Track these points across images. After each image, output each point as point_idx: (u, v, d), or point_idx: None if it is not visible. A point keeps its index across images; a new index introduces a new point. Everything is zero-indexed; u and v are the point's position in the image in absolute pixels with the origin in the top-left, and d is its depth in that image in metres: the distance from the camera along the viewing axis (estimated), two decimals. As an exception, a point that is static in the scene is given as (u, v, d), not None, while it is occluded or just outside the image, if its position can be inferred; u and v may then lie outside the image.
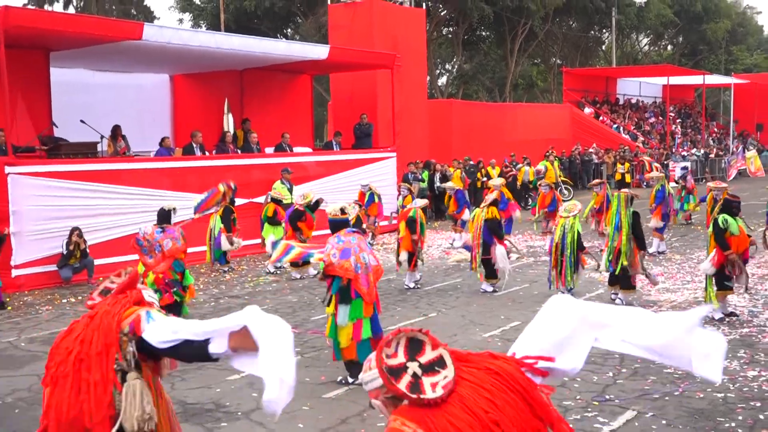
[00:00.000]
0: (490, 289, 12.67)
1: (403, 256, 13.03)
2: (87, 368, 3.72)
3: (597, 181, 17.26)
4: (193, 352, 3.64)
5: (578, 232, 11.84)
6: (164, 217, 10.34)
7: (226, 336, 3.49)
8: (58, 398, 3.74)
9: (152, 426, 3.76)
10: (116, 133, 17.15)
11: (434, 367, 2.88)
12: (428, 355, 2.93)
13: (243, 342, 3.42)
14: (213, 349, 3.52)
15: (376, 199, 18.61)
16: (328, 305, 7.97)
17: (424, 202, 14.12)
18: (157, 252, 9.98)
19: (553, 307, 3.31)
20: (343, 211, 8.46)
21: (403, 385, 2.80)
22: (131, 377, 3.74)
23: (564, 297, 3.37)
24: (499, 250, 12.38)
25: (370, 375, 2.91)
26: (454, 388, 2.85)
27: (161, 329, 3.72)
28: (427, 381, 2.83)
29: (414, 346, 2.93)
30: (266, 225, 15.34)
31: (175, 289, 10.11)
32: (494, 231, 12.47)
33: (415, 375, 2.83)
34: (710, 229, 10.52)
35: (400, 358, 2.87)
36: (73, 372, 3.73)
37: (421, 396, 2.77)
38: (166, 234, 10.10)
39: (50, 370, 3.81)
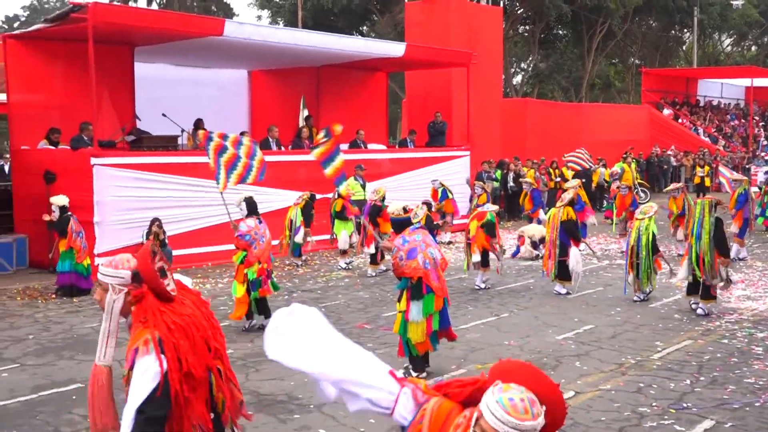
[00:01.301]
0: (564, 291, 12.52)
1: (476, 257, 12.91)
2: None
3: (674, 185, 16.83)
4: None
5: (653, 233, 11.61)
6: (254, 207, 10.47)
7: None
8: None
9: None
10: (198, 126, 17.59)
11: None
12: None
13: None
14: None
15: (450, 195, 18.59)
16: (399, 301, 8.05)
17: (495, 207, 13.94)
18: (261, 242, 10.11)
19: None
20: (405, 210, 8.54)
21: None
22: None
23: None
24: (574, 252, 12.25)
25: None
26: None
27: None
28: None
29: None
30: (337, 221, 15.44)
31: (272, 280, 10.30)
32: (571, 233, 12.33)
33: None
34: None
35: None
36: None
37: None
38: (264, 224, 10.30)
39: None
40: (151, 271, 3.64)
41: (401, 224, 8.31)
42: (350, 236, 15.30)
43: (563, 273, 12.43)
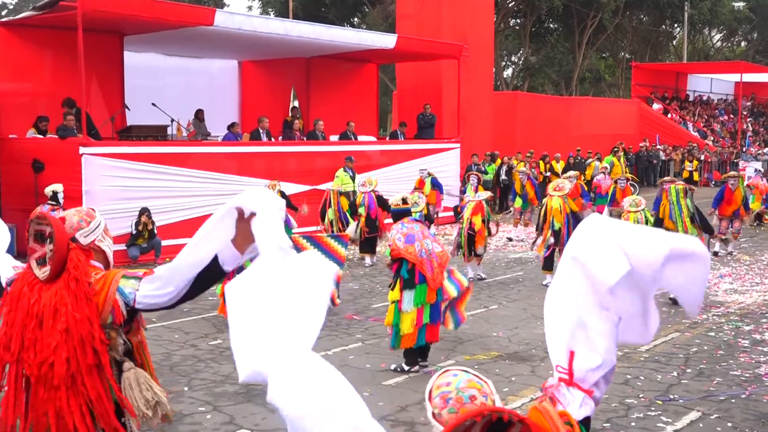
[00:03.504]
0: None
1: (481, 249, 12.98)
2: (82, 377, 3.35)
3: (668, 178, 16.77)
4: (207, 279, 3.32)
5: (653, 223, 11.72)
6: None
7: (230, 245, 3.23)
8: None
9: (165, 410, 3.44)
10: (199, 117, 17.89)
11: None
12: None
13: (245, 239, 3.16)
14: (224, 263, 3.26)
15: (437, 185, 18.58)
16: (393, 289, 8.02)
17: (488, 194, 13.96)
18: None
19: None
20: (404, 200, 8.60)
21: None
22: (126, 368, 3.39)
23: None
24: None
25: None
26: None
27: (159, 285, 3.30)
28: None
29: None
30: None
31: None
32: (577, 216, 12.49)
33: None
34: None
35: None
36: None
37: None
38: None
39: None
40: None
41: (400, 215, 8.40)
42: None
43: (548, 263, 12.48)
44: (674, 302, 11.05)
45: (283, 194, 15.32)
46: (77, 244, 3.50)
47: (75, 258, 3.43)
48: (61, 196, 12.85)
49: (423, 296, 7.84)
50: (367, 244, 14.78)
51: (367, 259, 14.82)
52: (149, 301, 3.32)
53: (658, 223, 11.52)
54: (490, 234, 13.28)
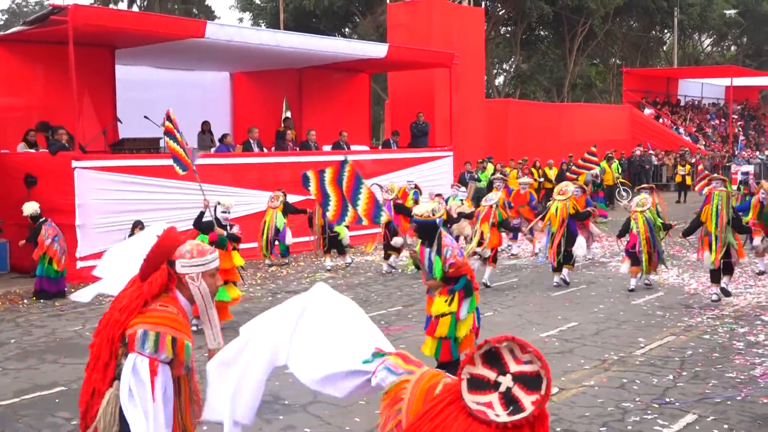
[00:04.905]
0: (567, 279, 13.18)
1: (487, 252, 13.15)
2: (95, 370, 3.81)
3: (646, 186, 16.59)
4: None
5: (662, 223, 12.63)
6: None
7: None
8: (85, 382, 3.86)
9: None
10: (204, 128, 18.22)
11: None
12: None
13: None
14: None
15: (421, 199, 18.49)
16: (450, 304, 7.54)
17: (499, 195, 14.10)
18: None
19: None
20: (434, 212, 7.68)
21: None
22: (114, 388, 3.70)
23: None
24: (580, 241, 13.02)
25: None
26: None
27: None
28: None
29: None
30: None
31: None
32: (583, 217, 13.51)
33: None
34: None
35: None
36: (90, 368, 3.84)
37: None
38: None
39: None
40: None
41: (427, 227, 7.61)
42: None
43: (568, 259, 13.04)
44: (648, 285, 12.40)
45: (286, 204, 15.38)
46: (172, 269, 3.75)
47: (155, 277, 3.73)
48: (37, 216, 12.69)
49: (474, 302, 7.65)
50: (389, 248, 14.79)
51: (385, 266, 14.86)
52: None
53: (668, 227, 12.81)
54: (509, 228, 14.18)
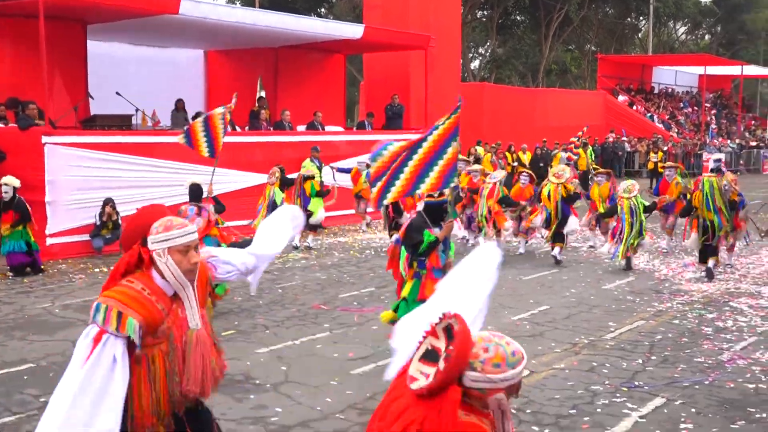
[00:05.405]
0: (560, 256, 13.75)
1: (508, 224, 14.27)
2: None
3: (602, 170, 16.51)
4: None
5: (644, 206, 13.05)
6: (196, 194, 10.22)
7: None
8: None
9: None
10: (178, 107, 18.16)
11: None
12: None
13: None
14: None
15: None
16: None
17: (503, 173, 15.08)
18: None
19: None
20: (441, 192, 7.33)
21: None
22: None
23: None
24: (572, 221, 13.84)
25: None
26: None
27: None
28: None
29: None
30: (313, 200, 15.21)
31: None
32: (573, 200, 13.96)
33: None
34: None
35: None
36: None
37: None
38: (202, 214, 10.02)
39: None
40: None
41: (438, 208, 7.41)
42: None
43: (558, 237, 13.77)
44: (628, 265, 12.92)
45: (283, 179, 15.23)
46: (144, 247, 3.69)
47: (125, 256, 3.71)
48: (5, 189, 12.45)
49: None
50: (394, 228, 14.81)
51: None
52: None
53: (652, 207, 13.43)
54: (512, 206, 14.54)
